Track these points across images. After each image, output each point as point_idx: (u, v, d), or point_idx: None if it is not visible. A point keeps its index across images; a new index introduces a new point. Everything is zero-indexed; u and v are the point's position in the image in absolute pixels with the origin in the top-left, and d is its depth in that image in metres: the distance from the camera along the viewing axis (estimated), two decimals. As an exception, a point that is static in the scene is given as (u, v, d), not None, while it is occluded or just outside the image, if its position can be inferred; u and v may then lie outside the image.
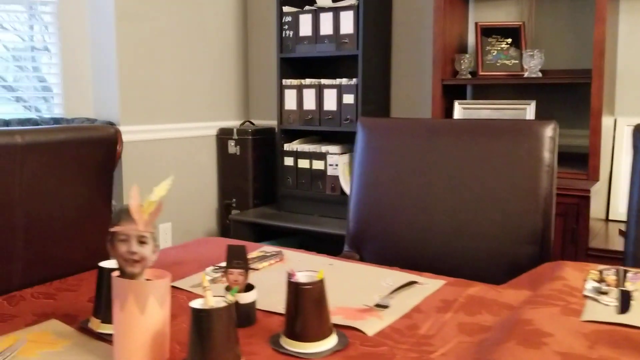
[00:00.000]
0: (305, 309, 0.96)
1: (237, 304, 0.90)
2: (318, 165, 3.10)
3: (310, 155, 3.12)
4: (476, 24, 2.70)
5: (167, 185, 0.90)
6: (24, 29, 2.95)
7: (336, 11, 2.97)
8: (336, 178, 3.06)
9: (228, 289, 1.07)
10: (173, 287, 1.21)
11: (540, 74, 2.48)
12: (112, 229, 0.90)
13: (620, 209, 2.53)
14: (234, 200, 3.43)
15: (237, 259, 1.05)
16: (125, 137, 2.30)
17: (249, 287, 1.07)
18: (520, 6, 2.71)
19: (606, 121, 2.40)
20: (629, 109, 2.56)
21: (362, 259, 1.75)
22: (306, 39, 3.07)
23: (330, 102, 3.03)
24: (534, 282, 1.24)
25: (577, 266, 1.30)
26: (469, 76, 2.69)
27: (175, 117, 3.25)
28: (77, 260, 1.32)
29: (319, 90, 3.06)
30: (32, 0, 2.90)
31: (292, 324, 0.97)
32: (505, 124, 1.66)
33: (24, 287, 1.24)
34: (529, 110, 2.51)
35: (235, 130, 3.38)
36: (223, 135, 3.45)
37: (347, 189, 3.03)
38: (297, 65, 3.26)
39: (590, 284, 1.17)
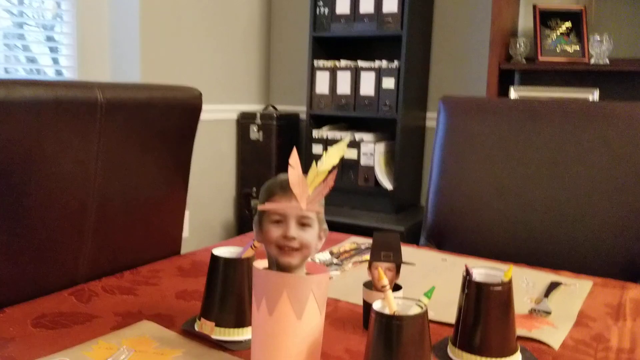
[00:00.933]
0: (490, 315, 0.75)
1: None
2: (350, 154, 2.89)
3: (344, 153, 2.89)
4: (534, 6, 2.51)
5: (341, 151, 0.68)
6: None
7: (376, -11, 2.76)
8: (370, 169, 2.85)
9: (368, 285, 0.86)
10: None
11: (607, 61, 2.30)
12: (261, 207, 0.68)
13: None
14: (255, 189, 3.20)
15: (386, 250, 0.83)
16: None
17: (397, 287, 0.85)
18: (578, -11, 2.53)
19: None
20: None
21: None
22: (343, 17, 2.85)
23: (367, 86, 2.82)
24: (702, 286, 1.06)
25: None
26: (524, 61, 2.50)
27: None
28: (149, 248, 1.09)
29: (355, 73, 2.85)
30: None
31: (470, 333, 0.76)
32: (620, 107, 1.47)
33: (90, 280, 1.01)
34: (592, 99, 2.33)
35: (258, 115, 3.15)
36: (245, 120, 3.21)
37: (383, 180, 2.83)
38: (330, 45, 3.04)
39: None
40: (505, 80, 2.57)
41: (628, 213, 1.40)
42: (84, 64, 2.69)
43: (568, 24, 2.48)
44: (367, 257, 1.20)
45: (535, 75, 2.64)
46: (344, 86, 2.88)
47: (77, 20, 2.65)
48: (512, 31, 2.62)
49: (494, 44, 2.41)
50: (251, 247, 0.81)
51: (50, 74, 2.63)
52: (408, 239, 2.59)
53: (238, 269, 0.80)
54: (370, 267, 0.84)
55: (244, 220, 3.25)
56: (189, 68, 2.96)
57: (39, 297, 0.92)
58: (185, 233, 2.98)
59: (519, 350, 0.77)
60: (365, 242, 1.31)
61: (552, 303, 0.97)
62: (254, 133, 3.16)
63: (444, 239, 1.60)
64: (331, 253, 1.21)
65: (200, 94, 1.10)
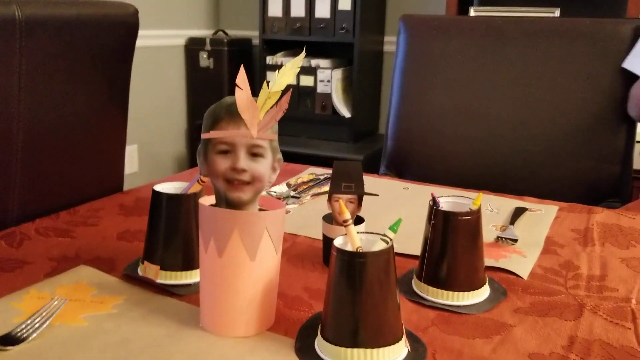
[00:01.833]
0: (458, 246, 0.70)
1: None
2: (307, 81, 2.78)
3: (298, 70, 2.77)
4: None
5: (296, 68, 0.59)
6: None
7: None
8: (327, 96, 2.76)
9: (328, 219, 0.80)
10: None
11: (569, -22, 2.22)
12: (205, 135, 0.59)
13: None
14: (207, 120, 3.06)
15: (347, 181, 0.77)
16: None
17: (359, 220, 0.79)
18: None
19: None
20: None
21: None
22: None
23: (322, 8, 2.67)
24: (667, 207, 1.04)
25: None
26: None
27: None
28: (87, 184, 0.99)
29: (310, -6, 2.69)
30: None
31: (436, 266, 0.71)
32: (585, 24, 1.40)
33: (23, 221, 0.91)
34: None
35: (208, 40, 2.97)
36: (193, 46, 3.03)
37: (341, 108, 2.74)
38: (280, -35, 2.85)
39: None
40: (464, 0, 2.47)
41: (591, 134, 1.37)
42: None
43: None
44: (327, 188, 1.13)
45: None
46: (298, 8, 2.73)
47: None
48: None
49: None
50: (198, 181, 0.73)
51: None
52: (367, 167, 2.53)
53: (183, 206, 0.71)
54: (330, 200, 0.78)
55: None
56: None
57: (-38, 243, 0.83)
58: (135, 168, 2.86)
59: (487, 283, 0.73)
60: (324, 172, 1.25)
61: (518, 230, 0.93)
62: (204, 60, 3.00)
63: (404, 167, 1.55)
64: (288, 185, 1.14)
65: (136, 11, 0.97)
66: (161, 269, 0.72)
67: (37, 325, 0.61)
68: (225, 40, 2.95)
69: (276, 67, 2.82)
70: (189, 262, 0.72)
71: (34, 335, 0.60)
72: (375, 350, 0.56)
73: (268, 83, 0.58)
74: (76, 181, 0.97)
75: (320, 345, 0.58)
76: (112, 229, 0.90)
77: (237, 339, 0.61)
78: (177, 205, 0.71)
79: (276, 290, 0.65)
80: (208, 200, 0.63)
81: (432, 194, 0.72)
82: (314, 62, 2.75)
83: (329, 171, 1.25)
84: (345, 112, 2.74)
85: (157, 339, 0.60)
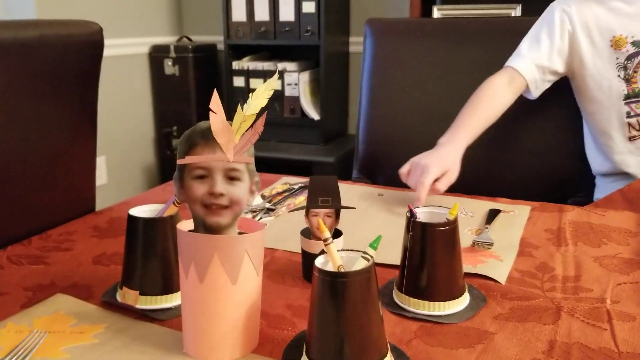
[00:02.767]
0: (437, 257, 0.71)
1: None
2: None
3: (265, 74, 2.77)
4: None
5: (270, 90, 0.59)
6: None
7: None
8: (296, 99, 2.75)
9: (306, 233, 0.80)
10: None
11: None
12: (181, 161, 0.59)
13: None
14: (175, 128, 3.03)
15: (323, 195, 0.77)
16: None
17: (337, 234, 0.79)
18: None
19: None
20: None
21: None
22: (256, -63, 2.65)
23: (287, 11, 2.67)
24: (634, 202, 1.06)
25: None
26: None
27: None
28: (58, 207, 0.97)
29: (273, -2, 2.68)
30: None
31: (416, 278, 0.71)
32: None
33: (-8, 250, 0.89)
34: (515, 15, 2.31)
35: (172, 47, 2.94)
36: (157, 54, 2.99)
37: (310, 110, 2.74)
38: (242, -31, 2.83)
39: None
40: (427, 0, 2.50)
41: (558, 132, 1.40)
42: (-35, -2, 2.39)
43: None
44: (302, 198, 1.13)
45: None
46: (262, 12, 2.72)
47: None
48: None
49: (415, -40, 2.31)
50: (173, 203, 0.72)
51: None
52: (338, 169, 2.54)
53: (160, 229, 0.71)
54: (307, 214, 0.78)
55: (166, 161, 3.10)
56: (90, 1, 2.68)
57: None
58: (104, 180, 2.81)
59: (466, 290, 0.74)
60: (298, 181, 1.24)
61: (493, 233, 0.95)
62: (169, 67, 2.96)
63: (377, 170, 1.56)
64: (263, 197, 1.13)
65: (101, 29, 0.95)
66: (140, 294, 0.71)
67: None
68: (190, 47, 2.92)
69: (243, 72, 2.80)
70: (168, 286, 0.71)
71: (14, 373, 0.58)
72: (361, 369, 0.56)
73: (242, 106, 0.58)
74: (47, 204, 0.95)
75: (307, 366, 0.58)
76: (87, 253, 0.89)
77: (223, 363, 0.61)
78: (154, 229, 0.71)
79: (259, 312, 0.65)
80: (186, 225, 0.62)
81: (408, 206, 0.73)
82: (280, 65, 2.74)
83: (303, 180, 1.25)
84: (314, 115, 2.74)
85: (141, 369, 0.60)
